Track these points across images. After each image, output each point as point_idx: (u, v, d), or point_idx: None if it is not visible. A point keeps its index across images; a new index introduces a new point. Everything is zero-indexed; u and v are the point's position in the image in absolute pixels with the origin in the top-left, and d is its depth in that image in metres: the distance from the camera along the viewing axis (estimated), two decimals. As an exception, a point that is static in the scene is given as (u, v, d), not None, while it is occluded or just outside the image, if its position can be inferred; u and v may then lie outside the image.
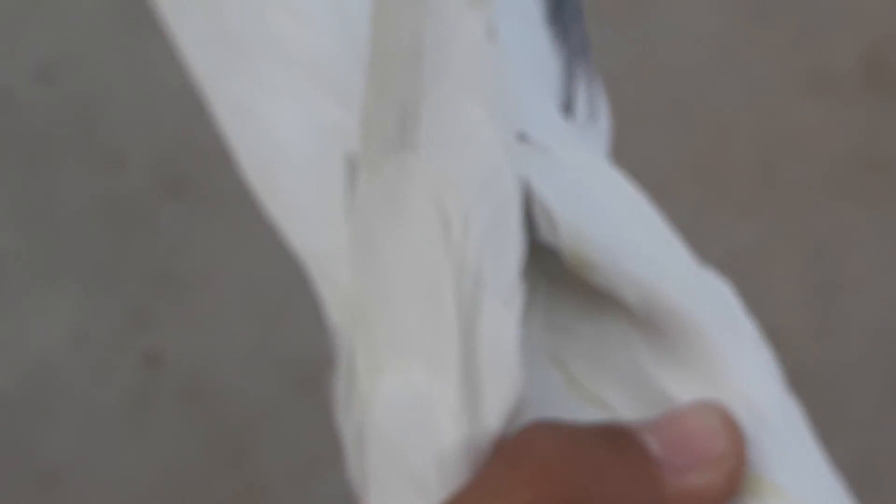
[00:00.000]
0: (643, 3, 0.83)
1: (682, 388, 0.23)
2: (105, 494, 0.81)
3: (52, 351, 0.83)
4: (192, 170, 0.87)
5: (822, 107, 0.80)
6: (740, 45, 0.83)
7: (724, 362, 0.23)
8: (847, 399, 0.80)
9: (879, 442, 0.79)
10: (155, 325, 0.83)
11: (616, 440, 0.21)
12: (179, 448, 0.80)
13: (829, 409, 0.80)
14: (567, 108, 0.28)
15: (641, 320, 0.23)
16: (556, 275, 0.24)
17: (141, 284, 0.84)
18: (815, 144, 0.81)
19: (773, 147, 0.81)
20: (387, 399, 0.23)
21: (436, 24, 0.22)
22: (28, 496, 0.79)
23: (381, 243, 0.23)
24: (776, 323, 0.78)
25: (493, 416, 0.21)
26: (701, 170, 0.80)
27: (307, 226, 0.26)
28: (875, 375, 0.80)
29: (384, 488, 0.23)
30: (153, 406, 0.81)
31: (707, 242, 0.29)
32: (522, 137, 0.24)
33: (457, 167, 0.22)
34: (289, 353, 0.76)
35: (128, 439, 0.80)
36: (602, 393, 0.24)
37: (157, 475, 0.81)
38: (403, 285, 0.23)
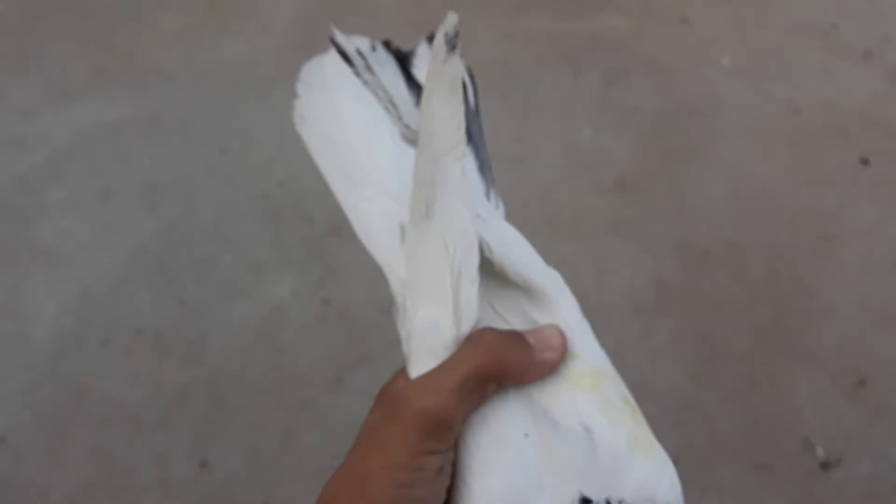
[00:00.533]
0: (525, 152, 1.26)
1: (541, 318, 0.35)
2: (305, 360, 1.07)
3: (281, 301, 1.12)
4: (343, 221, 1.15)
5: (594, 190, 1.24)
6: (573, 168, 1.25)
7: (557, 306, 0.35)
8: (610, 313, 1.10)
9: (625, 340, 1.08)
10: (327, 288, 1.12)
11: (516, 336, 0.34)
12: (339, 338, 1.08)
13: (602, 324, 1.07)
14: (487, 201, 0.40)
15: (524, 289, 0.36)
16: (491, 271, 0.35)
17: (321, 272, 1.15)
18: (602, 209, 1.21)
19: (582, 214, 1.20)
20: (420, 320, 0.34)
21: (441, 168, 0.33)
22: (271, 361, 1.06)
23: (418, 256, 0.34)
24: (580, 289, 1.08)
25: (466, 327, 0.33)
26: (549, 223, 1.18)
27: (383, 252, 0.38)
28: (622, 307, 1.10)
29: (418, 359, 0.34)
30: (326, 321, 1.09)
31: (548, 257, 0.34)
32: (478, 216, 0.36)
33: (451, 227, 0.33)
34: (388, 298, 0.97)
35: (310, 336, 1.08)
36: (509, 319, 0.36)
37: (329, 347, 1.07)
38: (428, 271, 0.34)
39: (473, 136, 0.41)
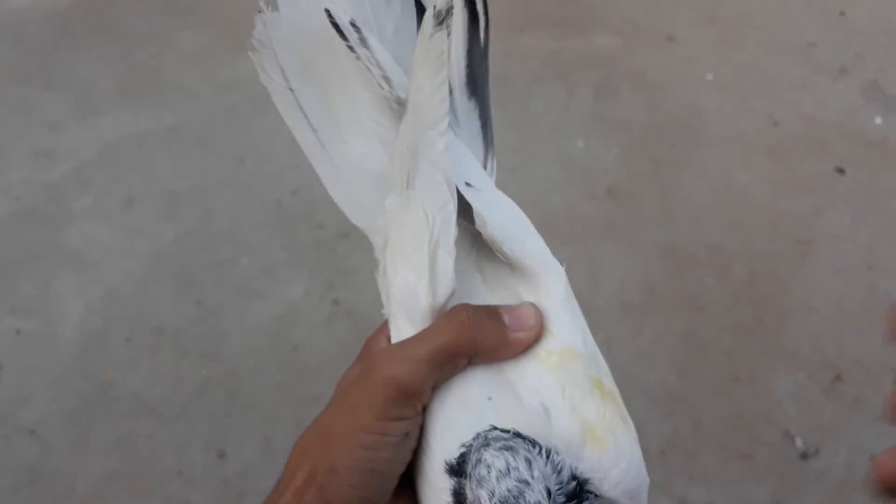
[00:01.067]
0: (522, 162, 1.27)
1: (525, 292, 0.35)
2: (316, 357, 1.06)
3: (293, 301, 1.12)
4: (352, 227, 1.14)
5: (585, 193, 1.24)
6: (567, 177, 1.26)
7: (541, 283, 0.34)
8: (601, 312, 1.09)
9: (616, 337, 1.08)
10: (336, 289, 1.13)
11: (492, 314, 0.33)
12: (347, 337, 1.07)
13: (594, 322, 1.04)
14: (483, 168, 0.40)
15: (512, 263, 0.35)
16: (483, 243, 0.35)
17: (331, 274, 1.14)
18: (594, 215, 1.21)
19: (576, 219, 1.20)
20: (399, 286, 0.34)
21: (424, 141, 0.33)
22: (284, 358, 1.06)
23: (399, 223, 0.34)
24: (573, 290, 1.10)
25: (441, 297, 0.33)
26: (544, 228, 1.15)
27: (366, 219, 0.37)
28: (613, 307, 1.10)
29: (397, 323, 0.34)
30: (335, 320, 1.09)
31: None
32: (469, 184, 0.35)
33: (431, 197, 0.33)
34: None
35: (321, 335, 1.07)
36: (495, 288, 0.35)
37: (339, 345, 1.06)
38: (408, 239, 0.33)
39: (479, 87, 0.38)
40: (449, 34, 0.31)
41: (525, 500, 0.28)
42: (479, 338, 0.32)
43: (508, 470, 0.28)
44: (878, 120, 1.33)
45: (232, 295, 1.13)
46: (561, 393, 0.32)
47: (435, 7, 0.31)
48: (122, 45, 1.47)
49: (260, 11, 0.37)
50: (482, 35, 0.38)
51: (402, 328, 0.33)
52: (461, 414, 0.31)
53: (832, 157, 1.28)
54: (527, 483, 0.29)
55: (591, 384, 0.32)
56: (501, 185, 0.38)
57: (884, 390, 1.02)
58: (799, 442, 0.99)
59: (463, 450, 0.30)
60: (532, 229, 0.36)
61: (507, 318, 0.33)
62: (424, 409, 0.32)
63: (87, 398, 1.04)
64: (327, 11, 0.36)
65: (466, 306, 0.33)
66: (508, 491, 0.28)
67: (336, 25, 0.36)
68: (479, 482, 0.28)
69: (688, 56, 1.43)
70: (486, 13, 0.37)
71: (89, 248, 1.19)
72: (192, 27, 1.48)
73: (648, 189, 1.24)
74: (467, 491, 0.29)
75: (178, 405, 1.03)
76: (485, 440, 0.29)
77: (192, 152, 1.30)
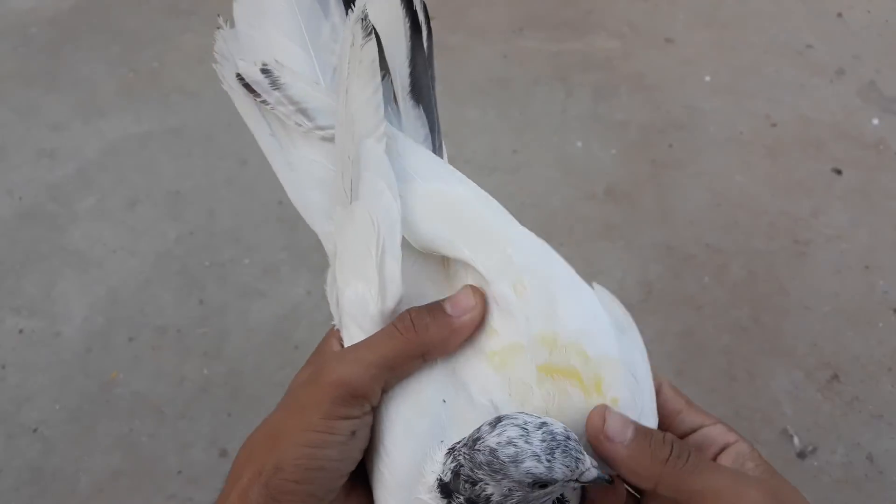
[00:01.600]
0: (521, 163, 1.27)
1: (473, 281, 0.35)
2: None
3: (295, 301, 1.13)
4: None
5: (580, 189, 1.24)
6: (566, 178, 1.25)
7: (485, 276, 0.34)
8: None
9: None
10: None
11: (434, 311, 0.34)
12: None
13: None
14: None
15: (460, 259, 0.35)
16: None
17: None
18: (592, 215, 1.20)
19: (574, 220, 1.21)
20: (348, 296, 0.34)
21: (364, 150, 0.33)
22: (286, 357, 1.07)
23: (346, 233, 0.34)
24: None
25: (390, 302, 0.33)
26: (543, 229, 1.15)
27: (318, 223, 0.38)
28: None
29: (349, 330, 0.34)
30: None
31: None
32: (399, 196, 0.34)
33: (376, 205, 0.33)
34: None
35: (322, 335, 1.08)
36: (451, 283, 0.36)
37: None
38: (355, 248, 0.33)
39: (425, 96, 0.38)
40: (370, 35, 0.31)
41: (555, 429, 0.29)
42: (425, 337, 0.32)
43: (524, 425, 0.29)
44: (875, 121, 1.33)
45: (234, 294, 1.13)
46: (508, 390, 0.32)
47: (363, 20, 0.31)
48: (124, 46, 1.47)
49: (219, 28, 0.38)
50: (425, 43, 0.37)
51: (355, 335, 0.34)
52: (418, 420, 0.31)
53: (829, 157, 1.28)
54: (546, 423, 0.29)
55: (537, 373, 0.32)
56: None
57: (880, 389, 1.03)
58: (796, 440, 0.99)
59: (434, 475, 0.30)
60: (470, 222, 0.35)
61: (448, 308, 0.33)
62: (374, 410, 0.32)
63: (90, 397, 1.04)
64: (238, 76, 0.37)
65: (410, 310, 0.33)
66: (543, 441, 0.28)
67: (246, 86, 0.38)
68: (514, 459, 0.28)
69: (686, 58, 1.43)
70: (427, 22, 0.37)
71: (92, 247, 1.19)
72: (195, 28, 1.48)
73: (647, 189, 1.24)
74: (489, 487, 0.29)
75: (180, 404, 1.03)
76: (471, 442, 0.29)
77: (195, 153, 1.30)
